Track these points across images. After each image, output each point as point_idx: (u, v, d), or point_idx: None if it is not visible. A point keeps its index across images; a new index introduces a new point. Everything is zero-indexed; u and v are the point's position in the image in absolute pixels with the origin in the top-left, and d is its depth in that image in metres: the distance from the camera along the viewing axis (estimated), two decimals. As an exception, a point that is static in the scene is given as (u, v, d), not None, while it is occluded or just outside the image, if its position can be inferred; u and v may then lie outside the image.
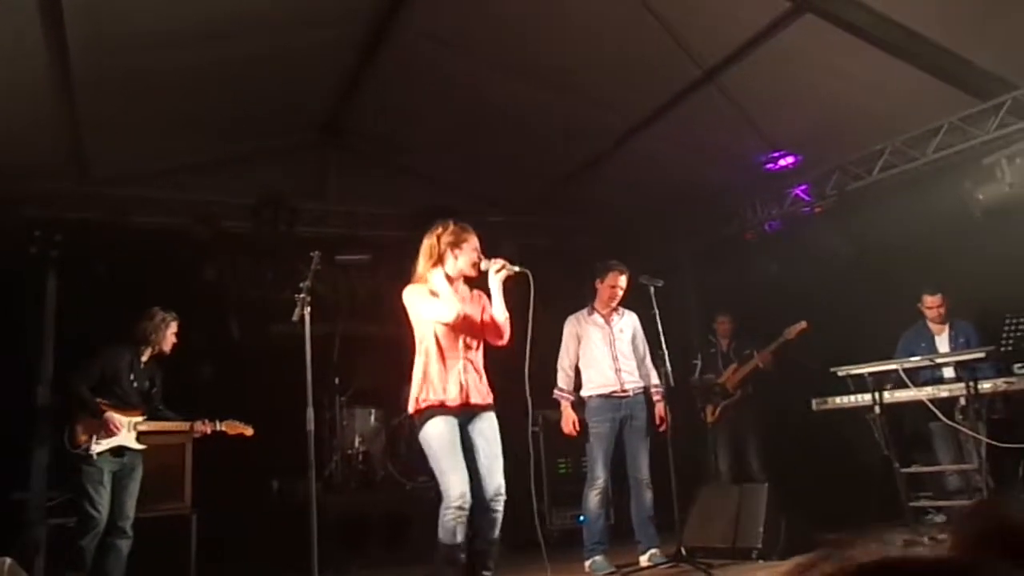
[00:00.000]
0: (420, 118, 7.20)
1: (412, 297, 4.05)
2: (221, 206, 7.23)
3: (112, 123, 6.29)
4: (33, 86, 5.39)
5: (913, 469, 5.59)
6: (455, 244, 4.06)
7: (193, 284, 7.04)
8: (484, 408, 4.09)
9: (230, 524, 6.26)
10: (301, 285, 4.19)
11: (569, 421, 5.24)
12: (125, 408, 4.93)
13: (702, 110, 6.30)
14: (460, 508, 3.78)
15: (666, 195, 7.64)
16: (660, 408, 5.36)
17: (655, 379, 5.40)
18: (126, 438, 4.87)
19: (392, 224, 7.77)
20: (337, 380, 6.93)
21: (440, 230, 4.13)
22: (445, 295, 4.01)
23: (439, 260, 4.07)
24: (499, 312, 4.04)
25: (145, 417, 4.99)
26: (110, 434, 4.80)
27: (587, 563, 5.17)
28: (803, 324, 6.54)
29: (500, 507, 3.97)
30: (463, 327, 4.02)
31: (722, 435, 6.82)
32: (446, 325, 4.00)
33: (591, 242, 8.23)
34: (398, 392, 7.65)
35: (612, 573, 5.06)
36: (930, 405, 5.11)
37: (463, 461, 3.89)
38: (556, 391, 5.33)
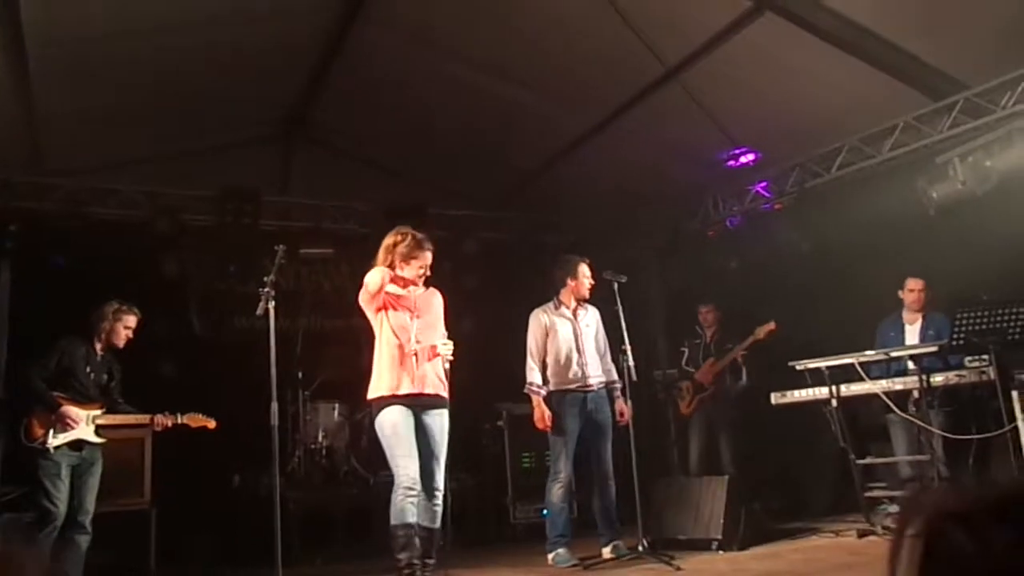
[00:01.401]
0: (385, 111, 7.17)
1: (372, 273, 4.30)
2: (183, 199, 7.15)
3: (70, 114, 6.18)
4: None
5: (867, 460, 5.72)
6: (406, 257, 4.28)
7: (153, 277, 6.94)
8: (436, 401, 4.31)
9: (191, 519, 6.21)
10: (265, 279, 4.18)
11: (543, 416, 5.24)
12: (83, 401, 4.81)
13: (665, 107, 6.37)
14: (409, 489, 4.08)
15: (629, 191, 7.70)
16: (620, 403, 5.41)
17: (615, 374, 5.45)
18: (84, 432, 4.77)
19: (356, 218, 7.74)
20: (300, 374, 6.88)
21: (399, 238, 4.32)
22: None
23: (390, 265, 4.30)
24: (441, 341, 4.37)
25: (104, 411, 4.89)
26: (67, 428, 4.69)
27: (550, 556, 5.20)
28: (772, 325, 6.59)
29: (438, 500, 4.27)
30: (407, 323, 4.30)
31: (695, 427, 6.88)
32: (375, 302, 4.26)
33: (555, 237, 8.28)
34: (361, 386, 7.59)
35: (575, 565, 5.10)
36: (884, 398, 5.23)
37: (415, 448, 4.18)
38: (528, 386, 5.33)
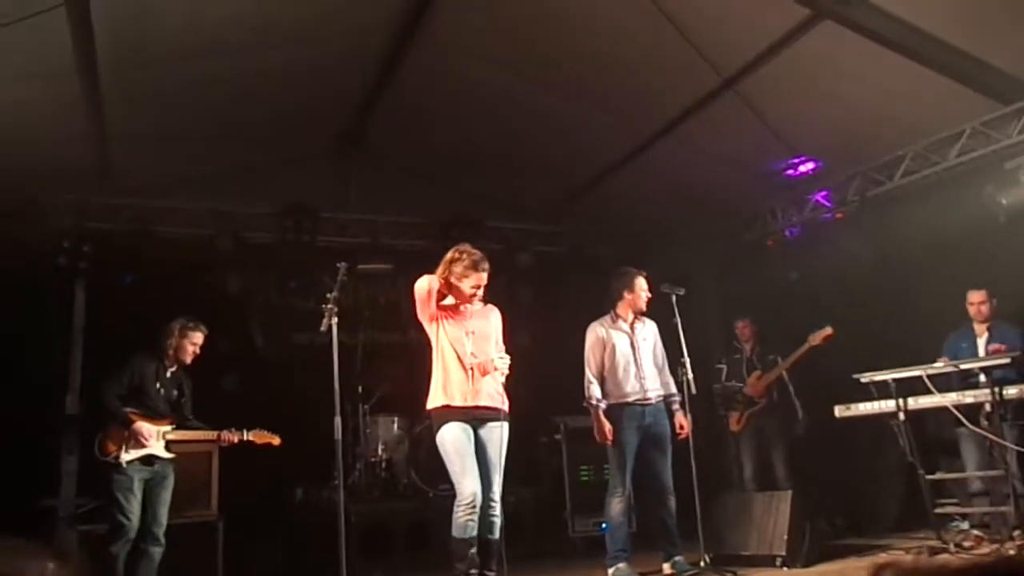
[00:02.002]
0: (441, 126, 7.26)
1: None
2: (245, 216, 7.32)
3: (138, 135, 6.40)
4: (63, 100, 5.49)
5: (938, 476, 5.55)
6: (460, 276, 4.32)
7: (217, 294, 7.12)
8: (494, 414, 4.32)
9: (256, 531, 6.33)
10: (328, 296, 4.24)
11: (603, 430, 5.21)
12: (154, 417, 4.96)
13: (722, 117, 6.31)
14: (468, 506, 4.11)
15: (686, 202, 7.65)
16: (680, 416, 5.35)
17: (673, 388, 5.39)
18: (155, 447, 4.89)
19: (413, 233, 7.83)
20: (360, 388, 6.98)
21: (456, 255, 4.36)
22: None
23: (445, 279, 4.35)
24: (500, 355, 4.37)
25: (174, 426, 5.04)
26: (139, 444, 4.85)
27: (610, 571, 5.16)
28: (828, 329, 6.36)
29: (496, 510, 4.27)
30: (467, 338, 4.33)
31: (746, 443, 6.73)
32: (427, 310, 4.32)
33: (610, 250, 8.25)
34: (420, 400, 7.67)
35: (636, 581, 5.06)
36: (954, 411, 5.07)
37: (475, 464, 4.22)
38: (587, 400, 5.30)
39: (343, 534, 4.04)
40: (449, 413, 4.27)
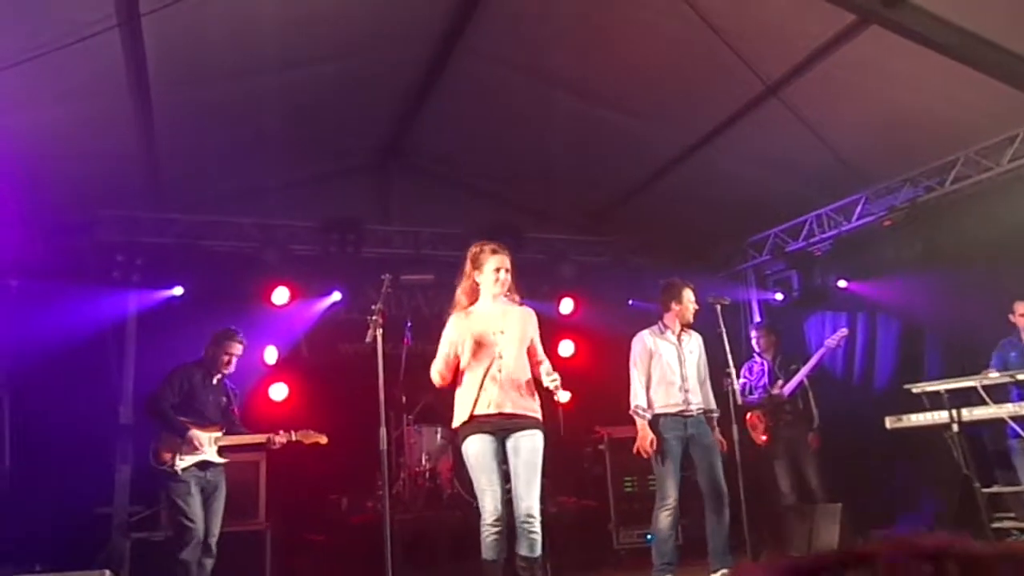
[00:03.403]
0: (482, 137, 7.30)
1: (446, 329, 4.29)
2: (290, 229, 7.43)
3: (187, 151, 6.55)
4: (116, 118, 5.65)
5: (995, 489, 5.39)
6: (482, 264, 4.21)
7: (265, 305, 7.23)
8: (523, 422, 4.03)
9: (301, 540, 6.39)
10: (373, 307, 4.26)
11: (647, 439, 5.15)
12: (204, 424, 5.06)
13: (766, 124, 6.25)
14: (491, 525, 3.91)
15: (730, 210, 7.58)
16: (717, 434, 5.27)
17: (712, 403, 5.32)
18: (208, 453, 5.01)
19: (455, 244, 7.86)
20: (404, 398, 7.01)
21: (475, 250, 4.27)
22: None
23: (472, 281, 4.24)
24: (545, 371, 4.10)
25: (223, 432, 5.13)
26: (193, 451, 4.96)
27: (656, 583, 5.11)
28: (844, 331, 6.55)
29: (534, 527, 3.95)
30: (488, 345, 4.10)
31: (780, 456, 6.55)
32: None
33: (653, 260, 8.20)
34: (463, 410, 7.72)
35: (682, 594, 4.99)
36: (1011, 422, 4.93)
37: (497, 480, 3.97)
38: (633, 409, 5.25)
39: (388, 543, 4.04)
40: (473, 423, 4.02)
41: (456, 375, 4.18)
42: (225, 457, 5.10)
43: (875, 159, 6.52)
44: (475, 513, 6.57)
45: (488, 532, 3.91)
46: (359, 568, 5.72)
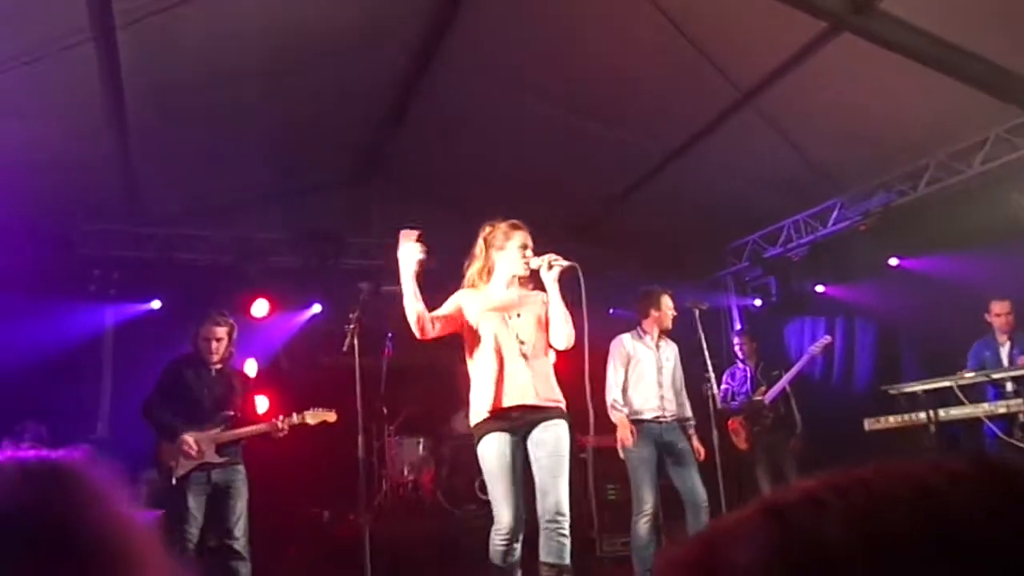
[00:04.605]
0: (460, 148, 7.32)
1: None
2: (268, 242, 7.41)
3: (164, 163, 6.52)
4: (91, 132, 5.62)
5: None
6: (504, 242, 3.85)
7: (244, 317, 7.19)
8: (547, 412, 3.68)
9: (283, 553, 6.33)
10: (350, 316, 4.26)
11: (627, 430, 5.11)
12: (203, 423, 4.61)
13: (741, 132, 6.31)
14: (507, 536, 3.55)
15: (707, 218, 7.63)
16: (695, 442, 5.27)
17: (688, 411, 5.33)
18: (207, 455, 4.54)
19: (435, 255, 7.86)
20: (385, 410, 7.00)
21: (488, 230, 3.92)
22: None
23: (488, 262, 3.88)
24: (556, 314, 3.76)
25: (223, 427, 4.65)
26: (187, 455, 4.51)
27: (639, 590, 5.10)
28: (827, 339, 6.58)
29: (562, 528, 3.56)
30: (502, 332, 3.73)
31: (760, 462, 6.54)
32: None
33: (631, 268, 8.22)
34: (445, 420, 7.71)
35: (665, 600, 4.95)
36: (987, 422, 4.99)
37: (515, 488, 3.58)
38: (611, 405, 5.22)
39: (367, 554, 4.02)
40: (494, 418, 3.63)
41: (434, 332, 3.77)
42: (225, 456, 4.58)
43: (849, 165, 6.60)
44: (457, 523, 6.61)
45: (499, 542, 3.56)
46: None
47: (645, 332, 5.40)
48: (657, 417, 5.19)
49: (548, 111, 6.49)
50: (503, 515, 3.56)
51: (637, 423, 5.18)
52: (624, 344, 5.35)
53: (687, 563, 0.58)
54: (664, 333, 5.41)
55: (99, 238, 6.82)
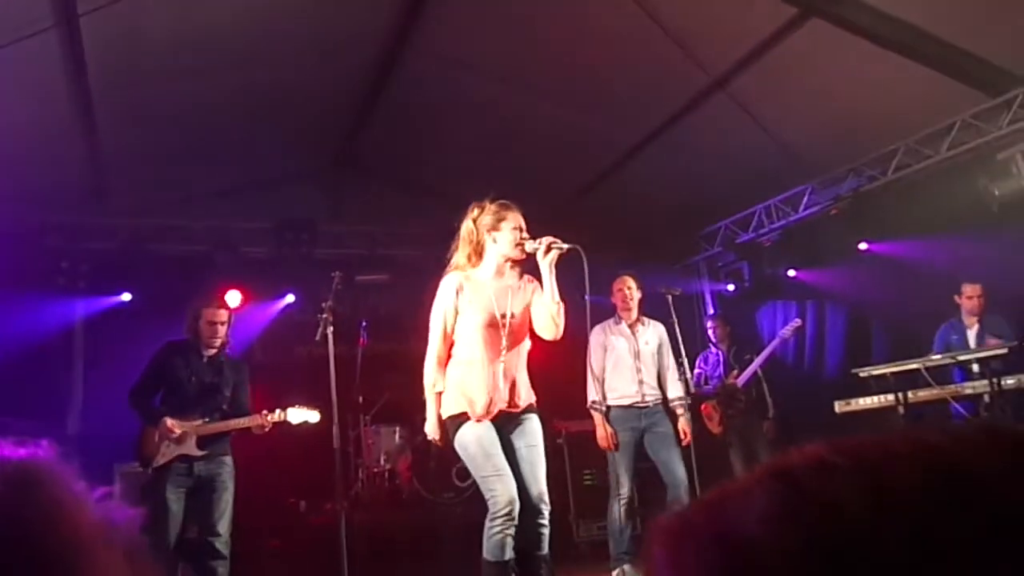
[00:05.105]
0: (433, 137, 7.29)
1: (437, 297, 3.64)
2: (241, 231, 7.34)
3: (133, 154, 6.43)
4: (57, 121, 5.53)
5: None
6: (495, 224, 3.57)
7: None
8: (523, 410, 3.57)
9: (259, 544, 6.32)
10: (323, 305, 4.24)
11: (605, 434, 5.17)
12: (190, 411, 4.39)
13: (713, 118, 6.34)
14: (508, 516, 3.30)
15: (680, 204, 7.67)
16: (683, 422, 5.27)
17: (679, 391, 5.32)
18: (186, 446, 4.32)
19: (410, 243, 7.85)
20: (360, 399, 6.98)
21: (477, 212, 3.62)
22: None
23: (478, 246, 3.61)
24: (550, 300, 3.51)
25: (206, 419, 4.41)
26: (167, 445, 4.29)
27: (614, 573, 5.15)
28: (797, 322, 6.70)
29: (544, 519, 3.45)
30: (497, 329, 3.53)
31: (733, 445, 6.61)
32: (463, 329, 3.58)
33: (605, 255, 8.24)
34: (422, 409, 7.68)
35: (641, 582, 5.02)
36: (954, 403, 5.08)
37: (506, 463, 3.40)
38: (591, 404, 5.27)
39: (344, 543, 4.02)
40: (468, 417, 3.47)
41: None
42: (208, 448, 4.34)
43: (819, 150, 6.66)
44: (435, 512, 6.62)
45: (499, 526, 3.29)
46: (319, 571, 5.67)
47: (620, 318, 5.44)
48: (635, 403, 5.23)
49: (519, 99, 6.48)
50: (499, 492, 3.32)
51: (616, 408, 5.22)
52: (598, 335, 5.37)
53: (692, 527, 0.57)
54: (641, 317, 5.43)
55: (66, 230, 6.71)
